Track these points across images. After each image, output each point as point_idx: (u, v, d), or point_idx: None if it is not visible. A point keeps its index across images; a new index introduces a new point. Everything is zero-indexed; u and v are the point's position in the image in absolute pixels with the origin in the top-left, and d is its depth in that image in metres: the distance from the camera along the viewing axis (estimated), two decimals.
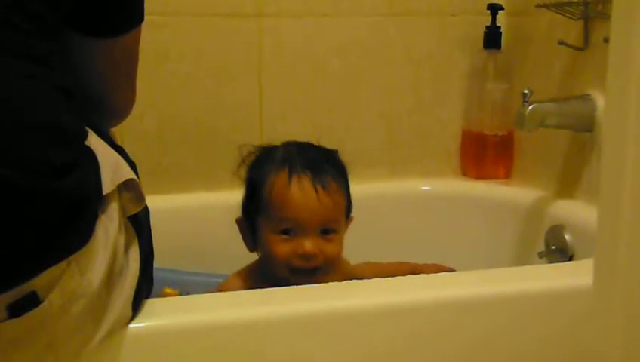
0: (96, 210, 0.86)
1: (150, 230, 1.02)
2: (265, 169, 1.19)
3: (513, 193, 1.66)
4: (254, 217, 1.19)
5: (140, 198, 0.95)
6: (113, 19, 0.97)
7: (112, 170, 0.90)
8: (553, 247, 1.45)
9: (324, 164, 1.19)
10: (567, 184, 1.54)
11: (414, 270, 1.35)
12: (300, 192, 1.15)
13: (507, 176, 1.75)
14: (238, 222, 1.23)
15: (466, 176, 1.79)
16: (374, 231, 1.65)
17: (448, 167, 1.79)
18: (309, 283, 1.10)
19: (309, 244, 1.14)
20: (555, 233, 1.45)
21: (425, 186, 1.75)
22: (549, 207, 1.53)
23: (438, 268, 1.37)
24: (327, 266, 1.17)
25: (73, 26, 0.92)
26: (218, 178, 1.60)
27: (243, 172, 1.24)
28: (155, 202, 1.04)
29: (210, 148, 1.62)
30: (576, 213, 1.45)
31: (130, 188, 0.93)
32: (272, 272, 1.18)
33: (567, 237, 1.43)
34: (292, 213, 1.14)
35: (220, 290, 1.21)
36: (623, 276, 0.67)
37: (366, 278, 1.23)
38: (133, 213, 0.94)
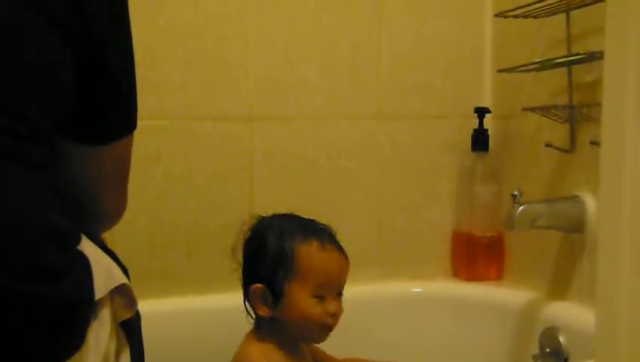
0: (88, 316, 0.85)
1: (141, 336, 1.01)
2: (288, 238, 1.28)
3: (505, 295, 1.65)
4: (282, 281, 1.26)
5: (132, 304, 0.94)
6: (107, 127, 0.98)
7: (104, 274, 0.89)
8: (547, 350, 1.43)
9: (333, 234, 1.32)
10: (559, 285, 1.54)
11: None
12: (331, 259, 1.28)
13: (498, 277, 1.75)
14: (257, 289, 1.27)
15: (458, 277, 1.78)
16: (365, 334, 1.64)
17: (439, 269, 1.79)
18: (327, 335, 1.28)
19: (335, 304, 1.27)
20: (549, 335, 1.44)
21: (416, 288, 1.74)
22: (542, 309, 1.52)
23: None
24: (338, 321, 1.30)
25: (67, 132, 0.92)
26: (209, 281, 1.60)
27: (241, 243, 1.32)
28: (145, 306, 1.03)
29: (200, 251, 1.62)
30: (570, 314, 1.44)
31: (123, 293, 0.92)
32: (298, 332, 1.27)
33: (561, 339, 1.41)
34: (328, 278, 1.26)
35: None
36: None
37: None
38: (124, 318, 0.93)
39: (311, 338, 1.30)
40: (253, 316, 1.31)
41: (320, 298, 1.26)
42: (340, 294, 1.29)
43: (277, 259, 1.27)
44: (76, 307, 0.83)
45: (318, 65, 1.70)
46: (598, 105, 1.38)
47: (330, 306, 1.26)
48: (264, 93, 1.66)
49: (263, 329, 1.29)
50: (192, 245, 1.62)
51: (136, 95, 1.00)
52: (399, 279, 1.75)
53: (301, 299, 1.25)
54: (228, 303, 1.54)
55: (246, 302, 1.31)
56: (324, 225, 1.34)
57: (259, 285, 1.27)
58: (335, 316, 1.27)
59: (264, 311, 1.27)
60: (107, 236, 1.16)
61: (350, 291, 1.68)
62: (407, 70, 1.76)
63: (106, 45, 0.92)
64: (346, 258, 1.31)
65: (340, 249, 1.31)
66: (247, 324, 1.31)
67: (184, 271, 1.62)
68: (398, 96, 1.75)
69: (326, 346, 1.40)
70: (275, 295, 1.26)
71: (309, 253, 1.27)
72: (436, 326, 1.69)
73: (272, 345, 1.28)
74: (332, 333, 1.38)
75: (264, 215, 1.34)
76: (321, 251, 1.27)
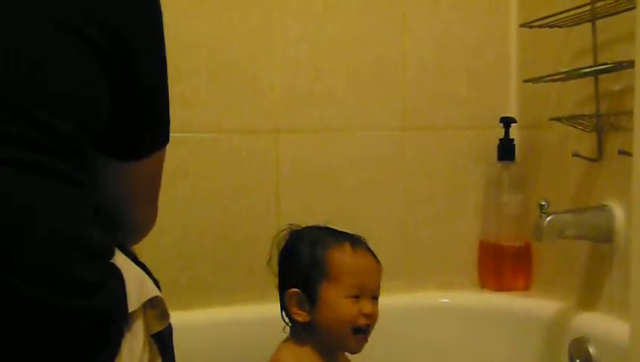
0: (122, 328, 0.86)
1: (173, 347, 1.01)
2: (320, 242, 1.32)
3: (533, 305, 1.64)
4: (316, 285, 1.29)
5: (165, 316, 0.95)
6: (140, 144, 0.99)
7: (137, 287, 0.90)
8: (577, 361, 1.42)
9: (365, 242, 1.36)
10: (588, 295, 1.53)
11: None
12: (364, 260, 1.32)
13: (526, 287, 1.74)
14: (292, 294, 1.30)
15: (485, 287, 1.78)
16: (393, 344, 1.64)
17: (467, 279, 1.78)
18: (363, 343, 1.30)
19: (370, 306, 1.29)
20: (578, 346, 1.43)
21: (444, 299, 1.74)
22: (571, 320, 1.51)
23: None
24: (373, 328, 1.31)
25: (101, 148, 0.93)
26: (236, 293, 1.61)
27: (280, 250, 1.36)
28: (173, 318, 1.04)
29: (228, 264, 1.62)
30: (600, 325, 1.43)
31: (155, 306, 0.93)
32: (332, 336, 1.29)
33: (591, 350, 1.40)
34: (362, 279, 1.29)
35: None
36: None
37: None
38: (157, 330, 0.94)
39: (345, 344, 1.30)
40: (289, 323, 1.33)
41: (355, 298, 1.28)
42: (374, 298, 1.31)
43: (310, 263, 1.30)
44: (110, 319, 0.84)
45: (343, 77, 1.71)
46: (626, 113, 1.38)
47: (365, 306, 1.28)
48: (290, 105, 1.67)
49: (299, 335, 1.31)
50: (220, 257, 1.63)
51: (168, 111, 1.01)
52: (426, 289, 1.75)
53: (336, 300, 1.28)
54: (255, 315, 1.57)
55: (283, 310, 1.33)
56: (355, 234, 1.36)
57: (294, 290, 1.30)
58: (370, 317, 1.29)
59: (301, 316, 1.29)
60: (135, 249, 1.17)
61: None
62: (432, 80, 1.76)
63: (140, 64, 0.93)
64: (379, 263, 1.34)
65: (373, 254, 1.34)
66: (275, 334, 1.32)
67: (212, 283, 1.62)
68: (423, 107, 1.76)
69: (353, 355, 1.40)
70: (311, 299, 1.29)
71: (342, 254, 1.30)
72: (464, 337, 1.69)
73: (307, 349, 1.30)
74: None
75: (296, 226, 1.37)
76: (353, 253, 1.31)
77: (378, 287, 1.33)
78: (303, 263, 1.31)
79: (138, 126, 0.97)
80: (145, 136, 1.00)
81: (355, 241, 1.33)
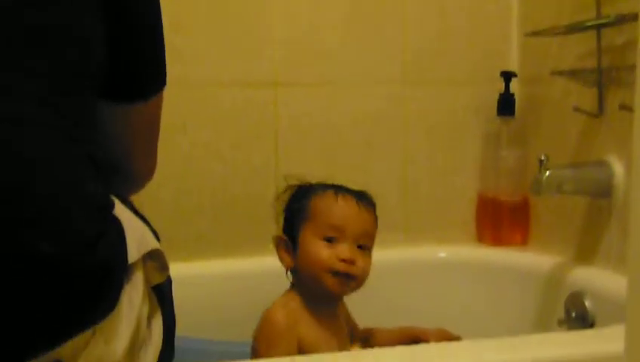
0: (122, 280, 0.86)
1: (172, 299, 1.02)
2: (311, 192, 1.31)
3: (530, 259, 1.65)
4: (297, 229, 1.29)
5: (164, 268, 0.95)
6: (139, 84, 0.99)
7: (137, 239, 0.90)
8: (573, 314, 1.43)
9: (362, 194, 1.33)
10: (585, 250, 1.53)
11: (419, 335, 1.39)
12: (345, 204, 1.28)
13: (524, 241, 1.74)
14: (278, 239, 1.31)
15: (482, 242, 1.78)
16: (389, 297, 1.65)
17: (464, 234, 1.79)
18: (345, 291, 1.28)
19: (348, 250, 1.25)
20: (575, 300, 1.44)
21: (441, 253, 1.75)
22: (568, 274, 1.52)
23: (442, 334, 1.39)
24: (360, 279, 1.28)
25: (102, 92, 0.93)
26: (235, 246, 1.61)
27: (282, 202, 1.35)
28: (172, 270, 1.04)
29: (226, 217, 1.63)
30: (596, 279, 1.44)
31: (155, 258, 0.94)
32: (312, 280, 1.27)
33: (587, 304, 1.41)
34: (337, 221, 1.27)
35: (269, 321, 1.25)
36: None
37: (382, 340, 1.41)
38: (157, 282, 0.95)
39: (325, 287, 1.25)
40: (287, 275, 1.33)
41: (329, 241, 1.26)
42: (360, 247, 1.27)
43: (296, 210, 1.31)
44: (110, 270, 0.84)
45: (342, 31, 1.69)
46: (628, 68, 1.37)
47: (342, 251, 1.25)
48: (289, 59, 1.66)
49: (295, 285, 1.32)
50: (218, 211, 1.63)
51: (164, 52, 1.01)
52: (424, 244, 1.76)
53: (310, 242, 1.27)
54: (254, 267, 1.57)
55: None
56: (361, 190, 1.34)
57: (280, 235, 1.31)
58: (349, 262, 1.25)
59: (286, 261, 1.30)
60: (135, 201, 1.17)
61: (375, 256, 1.70)
62: (432, 34, 1.74)
63: (137, 3, 0.93)
64: (369, 212, 1.30)
65: (365, 203, 1.30)
66: (273, 287, 1.32)
67: (211, 236, 1.63)
68: (423, 60, 1.74)
69: (350, 309, 1.41)
70: (294, 243, 1.29)
71: (322, 199, 1.29)
72: (461, 292, 1.70)
73: (298, 299, 1.29)
74: (356, 296, 1.39)
75: (304, 182, 1.36)
76: (334, 198, 1.29)
77: (364, 236, 1.28)
78: (291, 211, 1.32)
79: (137, 66, 0.98)
80: (144, 77, 1.00)
81: (341, 189, 1.31)
